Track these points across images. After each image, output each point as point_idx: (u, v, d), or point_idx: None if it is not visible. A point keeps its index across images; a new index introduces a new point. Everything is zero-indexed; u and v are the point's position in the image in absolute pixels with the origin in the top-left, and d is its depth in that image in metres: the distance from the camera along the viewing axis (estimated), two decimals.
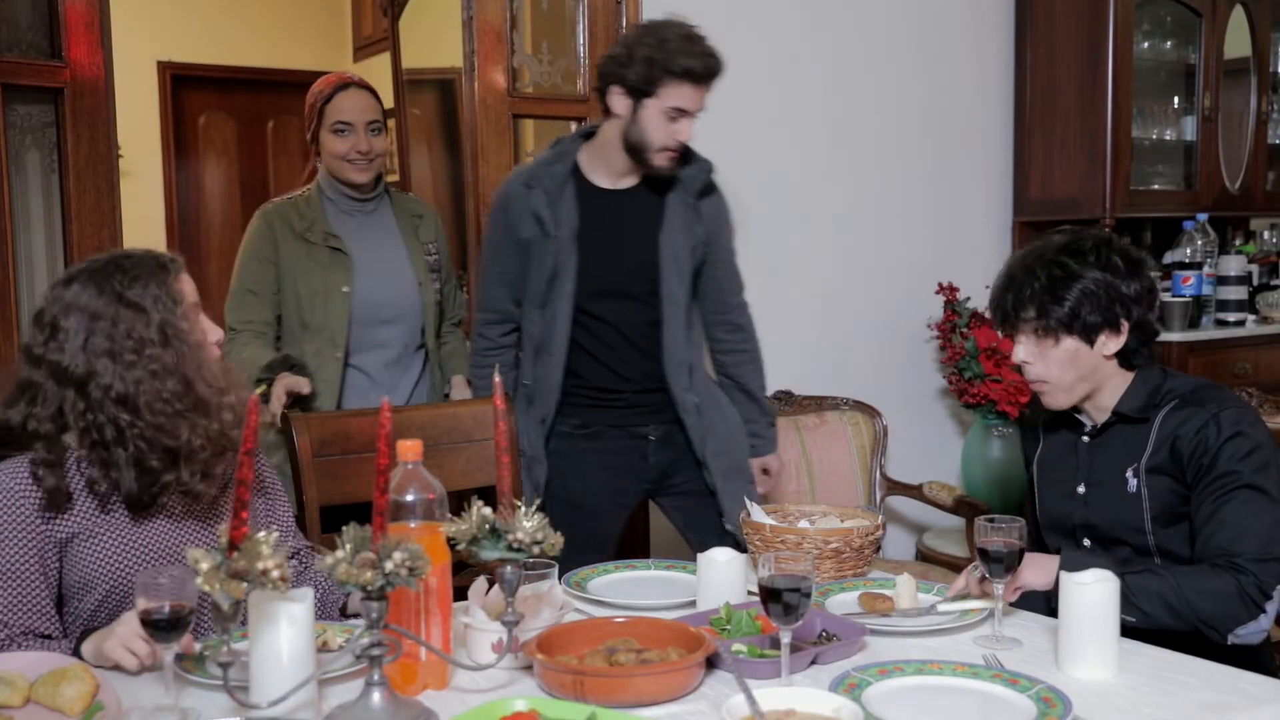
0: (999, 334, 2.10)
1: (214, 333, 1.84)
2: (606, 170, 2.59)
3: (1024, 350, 1.97)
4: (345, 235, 2.80)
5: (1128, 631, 1.71)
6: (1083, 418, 2.05)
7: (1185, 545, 1.93)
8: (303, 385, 2.63)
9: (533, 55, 3.31)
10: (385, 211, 2.90)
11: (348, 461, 2.49)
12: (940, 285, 3.78)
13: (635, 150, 2.51)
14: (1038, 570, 1.84)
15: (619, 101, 2.50)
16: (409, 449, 1.58)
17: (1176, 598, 1.79)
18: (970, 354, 3.65)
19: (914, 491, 3.51)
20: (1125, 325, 1.94)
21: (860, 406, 3.63)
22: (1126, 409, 1.98)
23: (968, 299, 3.77)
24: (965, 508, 3.35)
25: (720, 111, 3.51)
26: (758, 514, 2.17)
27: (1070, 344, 1.93)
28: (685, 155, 2.60)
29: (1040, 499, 2.14)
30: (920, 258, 3.90)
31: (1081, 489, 2.04)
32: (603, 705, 1.44)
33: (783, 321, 3.67)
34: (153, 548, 1.78)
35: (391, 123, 4.01)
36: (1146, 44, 4.03)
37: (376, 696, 1.39)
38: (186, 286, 1.81)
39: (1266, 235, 4.56)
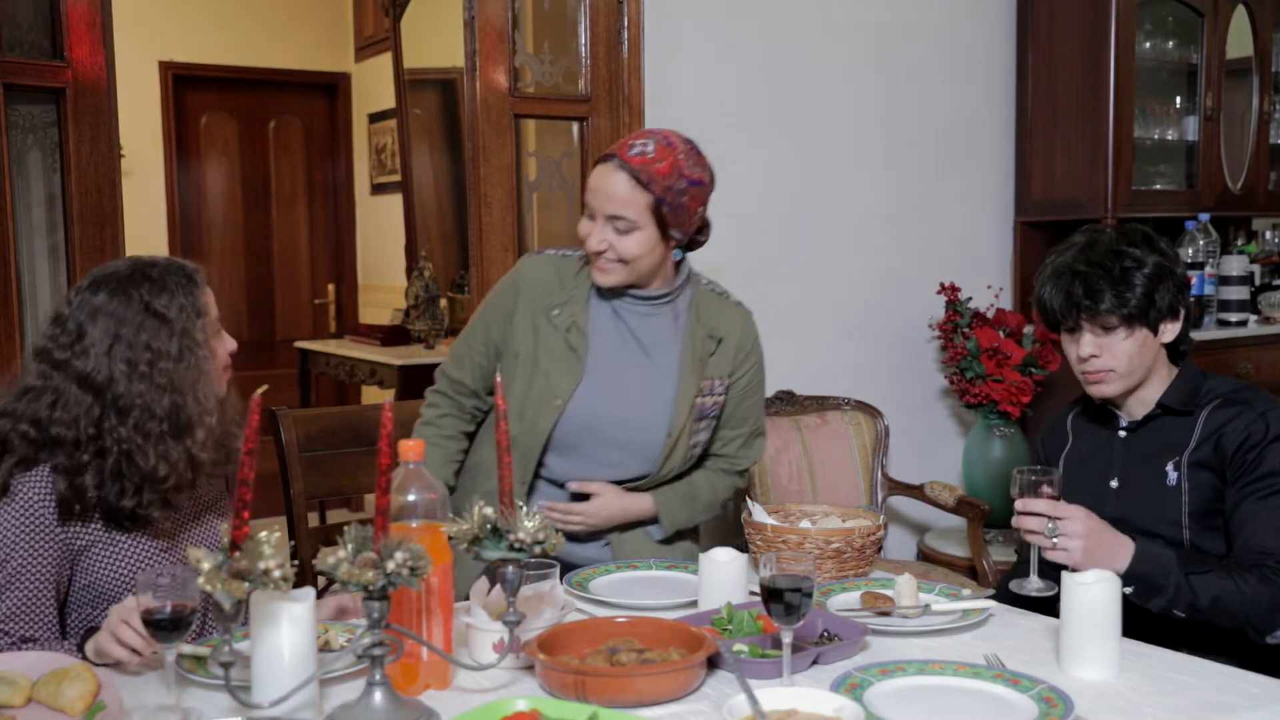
0: (1051, 330, 2.09)
1: (229, 344, 1.87)
2: None
3: (1090, 344, 1.96)
4: (597, 334, 2.17)
5: (1129, 631, 1.70)
6: (1120, 413, 2.06)
7: (1220, 544, 1.93)
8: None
9: (534, 55, 3.31)
10: (677, 320, 2.19)
11: (334, 456, 2.54)
12: (942, 285, 3.78)
13: None
14: (1107, 554, 1.80)
15: None
16: (410, 449, 1.58)
17: (1236, 602, 1.80)
18: (972, 354, 3.65)
19: (915, 491, 3.51)
20: (1182, 311, 1.98)
21: (862, 406, 3.63)
22: (1171, 401, 2.00)
23: (969, 299, 3.77)
24: (966, 508, 3.35)
25: (724, 113, 3.52)
26: (759, 514, 2.17)
27: (1141, 333, 1.95)
28: None
29: (1067, 496, 2.13)
30: (922, 258, 3.90)
31: (1115, 483, 2.04)
32: (604, 705, 1.44)
33: (785, 321, 3.67)
34: (163, 558, 1.80)
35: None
36: (1148, 44, 4.03)
37: (378, 696, 1.39)
38: (211, 299, 1.83)
39: (1268, 235, 4.56)
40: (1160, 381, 2.01)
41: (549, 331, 2.16)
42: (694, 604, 1.90)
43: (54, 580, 1.71)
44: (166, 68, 6.05)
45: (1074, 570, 1.70)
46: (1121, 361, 1.96)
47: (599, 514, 2.18)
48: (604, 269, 2.10)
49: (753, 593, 1.85)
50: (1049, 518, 1.79)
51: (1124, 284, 1.92)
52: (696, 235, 2.19)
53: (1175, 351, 2.03)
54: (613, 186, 2.05)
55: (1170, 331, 1.98)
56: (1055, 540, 1.78)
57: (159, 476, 1.73)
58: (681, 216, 2.08)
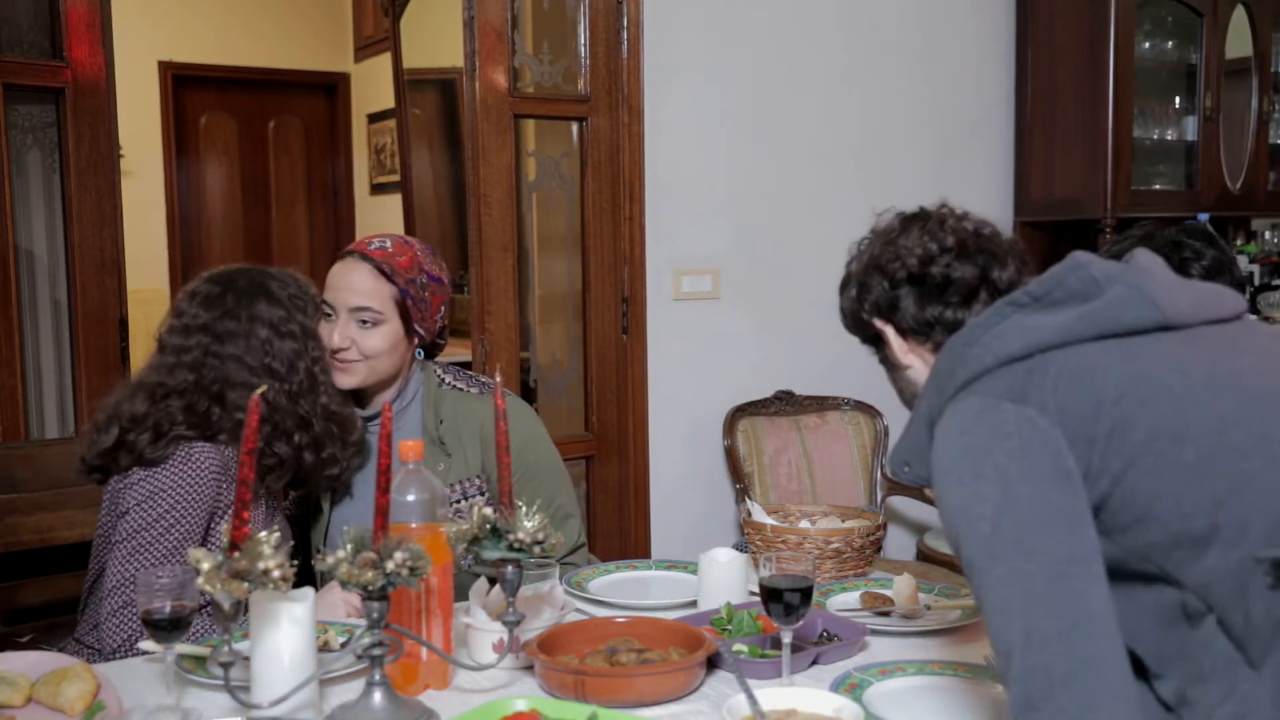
0: None
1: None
2: None
3: None
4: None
5: None
6: None
7: None
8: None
9: (534, 55, 3.31)
10: (407, 435, 2.01)
11: None
12: None
13: None
14: None
15: None
16: (410, 449, 1.58)
17: None
18: None
19: (915, 491, 3.51)
20: None
21: (861, 406, 3.63)
22: None
23: None
24: None
25: (723, 113, 3.52)
26: (759, 514, 2.17)
27: None
28: None
29: None
30: None
31: None
32: (604, 705, 1.44)
33: (784, 321, 3.68)
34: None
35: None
36: (1148, 44, 4.03)
37: (377, 696, 1.39)
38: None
39: (1268, 235, 4.56)
40: None
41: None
42: (694, 604, 1.90)
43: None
44: (166, 68, 6.05)
45: None
46: None
47: None
48: (345, 368, 2.00)
49: (752, 593, 1.85)
50: None
51: (1180, 274, 1.91)
52: (437, 338, 2.14)
53: None
54: (356, 279, 2.00)
55: None
56: None
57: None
58: (425, 312, 2.05)
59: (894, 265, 1.44)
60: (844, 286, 1.53)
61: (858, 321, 1.50)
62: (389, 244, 2.05)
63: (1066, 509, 1.14)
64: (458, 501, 2.08)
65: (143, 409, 1.81)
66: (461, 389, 2.14)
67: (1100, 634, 1.09)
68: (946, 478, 1.22)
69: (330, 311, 2.01)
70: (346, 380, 2.01)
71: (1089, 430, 1.16)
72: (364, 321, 2.00)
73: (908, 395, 1.49)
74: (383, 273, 2.00)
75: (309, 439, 1.90)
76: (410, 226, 5.64)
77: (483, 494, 2.10)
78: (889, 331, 1.46)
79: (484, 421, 2.09)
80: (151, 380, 1.85)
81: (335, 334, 1.99)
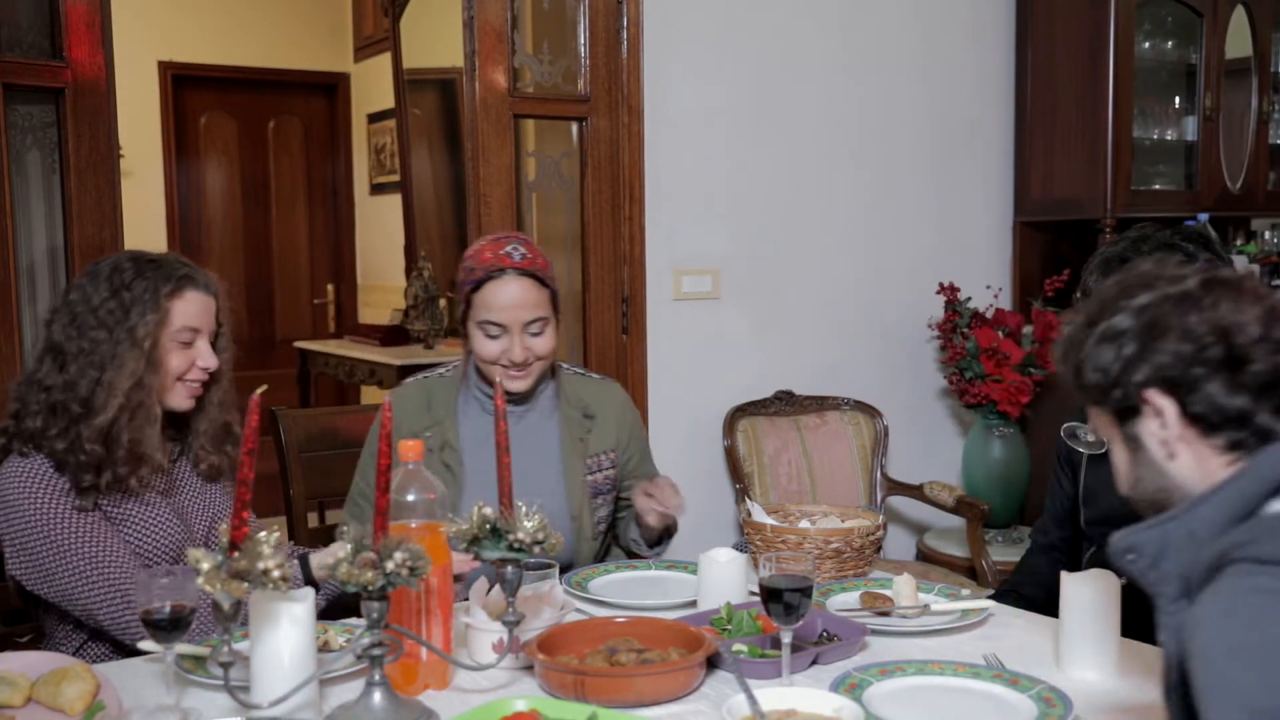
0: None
1: (204, 359, 1.84)
2: None
3: None
4: (473, 449, 2.15)
5: (1128, 631, 1.70)
6: None
7: None
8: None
9: (533, 55, 3.31)
10: (547, 412, 2.21)
11: (334, 457, 2.57)
12: (941, 285, 3.78)
13: None
14: None
15: None
16: (410, 449, 1.58)
17: None
18: (971, 354, 3.64)
19: (915, 491, 3.51)
20: None
21: (861, 407, 3.63)
22: None
23: (968, 299, 3.77)
24: (966, 508, 3.35)
25: (723, 113, 3.52)
26: (759, 514, 2.17)
27: None
28: None
29: (1095, 495, 2.10)
30: (921, 258, 3.90)
31: None
32: (603, 705, 1.44)
33: (784, 321, 3.68)
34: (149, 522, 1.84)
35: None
36: (1148, 44, 4.03)
37: (377, 696, 1.39)
38: (185, 308, 1.81)
39: (1268, 235, 4.56)
40: None
41: (425, 456, 2.07)
42: (693, 604, 1.90)
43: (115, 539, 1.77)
44: (166, 68, 6.06)
45: None
46: None
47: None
48: (523, 375, 2.12)
49: (752, 593, 1.85)
50: None
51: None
52: None
53: None
54: (523, 295, 2.07)
55: None
56: None
57: (56, 449, 1.75)
58: (559, 300, 2.17)
59: (1208, 339, 1.13)
60: (1106, 338, 1.18)
61: (1115, 383, 1.18)
62: (524, 249, 2.11)
63: None
64: (594, 473, 2.22)
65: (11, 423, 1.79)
66: (582, 374, 2.33)
67: None
68: (1231, 651, 1.01)
69: (498, 331, 2.07)
70: (524, 384, 2.13)
71: None
72: (533, 333, 2.10)
73: (1149, 486, 1.21)
74: (541, 281, 2.10)
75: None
76: (410, 226, 5.64)
77: (614, 467, 2.26)
78: (1171, 410, 1.15)
79: (618, 403, 2.30)
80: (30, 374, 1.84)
81: (515, 349, 2.07)
